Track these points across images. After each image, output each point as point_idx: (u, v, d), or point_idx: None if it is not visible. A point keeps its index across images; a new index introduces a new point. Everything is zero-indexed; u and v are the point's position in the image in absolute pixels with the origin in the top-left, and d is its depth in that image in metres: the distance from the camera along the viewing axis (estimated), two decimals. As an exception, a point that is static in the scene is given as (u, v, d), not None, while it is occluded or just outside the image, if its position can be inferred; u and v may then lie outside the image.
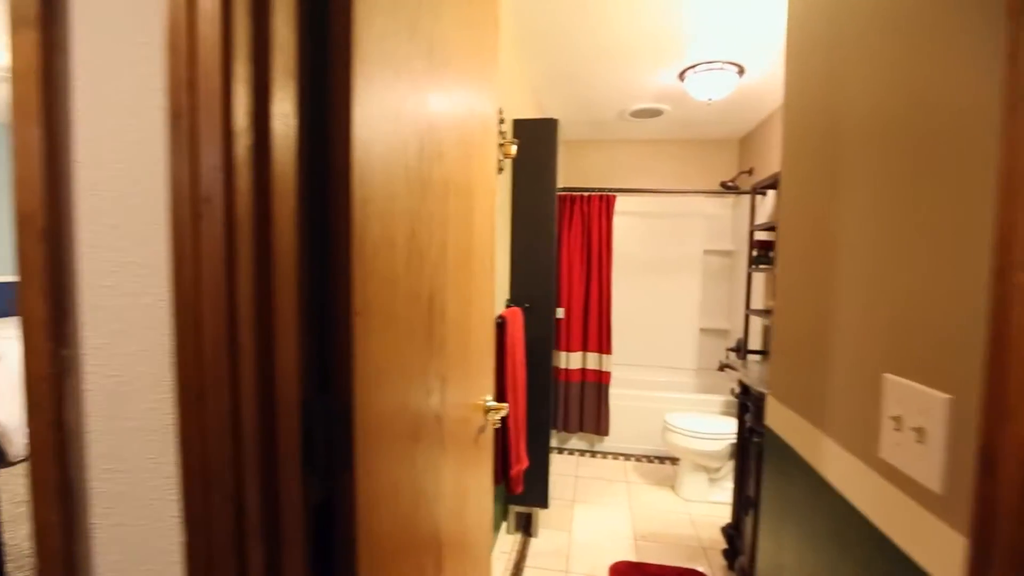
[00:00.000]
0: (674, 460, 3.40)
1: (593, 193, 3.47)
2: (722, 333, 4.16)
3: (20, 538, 2.16)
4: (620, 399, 3.55)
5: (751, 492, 1.82)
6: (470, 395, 1.15)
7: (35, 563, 0.55)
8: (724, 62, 2.68)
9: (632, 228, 4.21)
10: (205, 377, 0.48)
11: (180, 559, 0.52)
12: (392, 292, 0.72)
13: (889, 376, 0.74)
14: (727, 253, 4.14)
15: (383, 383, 0.69)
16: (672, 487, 3.03)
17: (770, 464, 1.21)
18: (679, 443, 2.80)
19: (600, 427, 3.47)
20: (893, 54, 0.76)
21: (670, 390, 3.94)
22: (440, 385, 0.93)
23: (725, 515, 2.67)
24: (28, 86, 0.52)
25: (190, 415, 0.49)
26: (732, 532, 2.14)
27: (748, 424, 1.86)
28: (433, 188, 0.88)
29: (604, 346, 3.46)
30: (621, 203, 4.13)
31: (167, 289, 0.50)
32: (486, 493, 1.37)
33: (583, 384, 3.50)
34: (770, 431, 1.20)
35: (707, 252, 4.17)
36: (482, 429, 1.26)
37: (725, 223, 4.16)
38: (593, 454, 3.56)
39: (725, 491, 2.82)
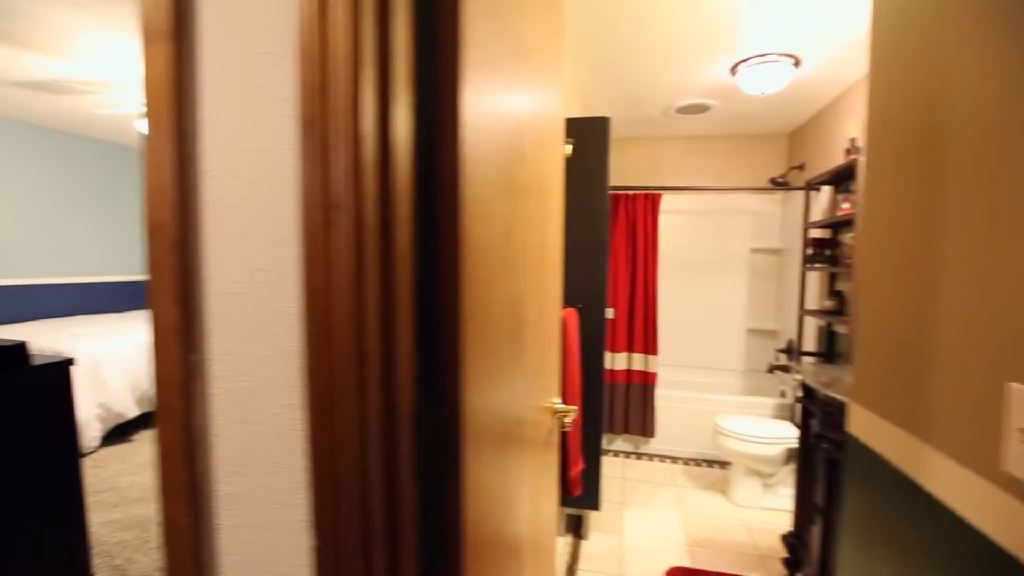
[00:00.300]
0: (723, 464, 3.31)
1: (638, 191, 3.41)
2: (770, 334, 4.03)
3: (96, 526, 2.28)
4: (666, 400, 3.48)
5: (819, 500, 1.75)
6: (542, 397, 1.14)
7: (165, 561, 0.56)
8: (779, 54, 2.59)
9: (677, 226, 4.12)
10: (335, 384, 0.49)
11: (306, 562, 0.53)
12: (488, 296, 0.71)
13: (1017, 386, 0.69)
14: (776, 251, 4.02)
15: (482, 388, 0.69)
16: (723, 492, 2.95)
17: (854, 474, 1.16)
18: (731, 447, 2.73)
19: (646, 429, 3.42)
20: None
21: (716, 392, 3.85)
22: (523, 388, 0.92)
23: (782, 522, 2.59)
24: (160, 98, 0.53)
25: (321, 422, 0.49)
26: (794, 541, 2.06)
27: (815, 430, 1.79)
28: (518, 190, 0.87)
29: (650, 347, 3.41)
30: (666, 201, 4.06)
31: (296, 296, 0.51)
32: (553, 495, 1.36)
33: (628, 385, 3.45)
34: (854, 440, 1.14)
35: (754, 250, 4.05)
36: (551, 431, 1.25)
37: (773, 220, 4.03)
38: (639, 456, 3.50)
39: (780, 497, 2.74)
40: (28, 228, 4.17)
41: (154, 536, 2.26)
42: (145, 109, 0.54)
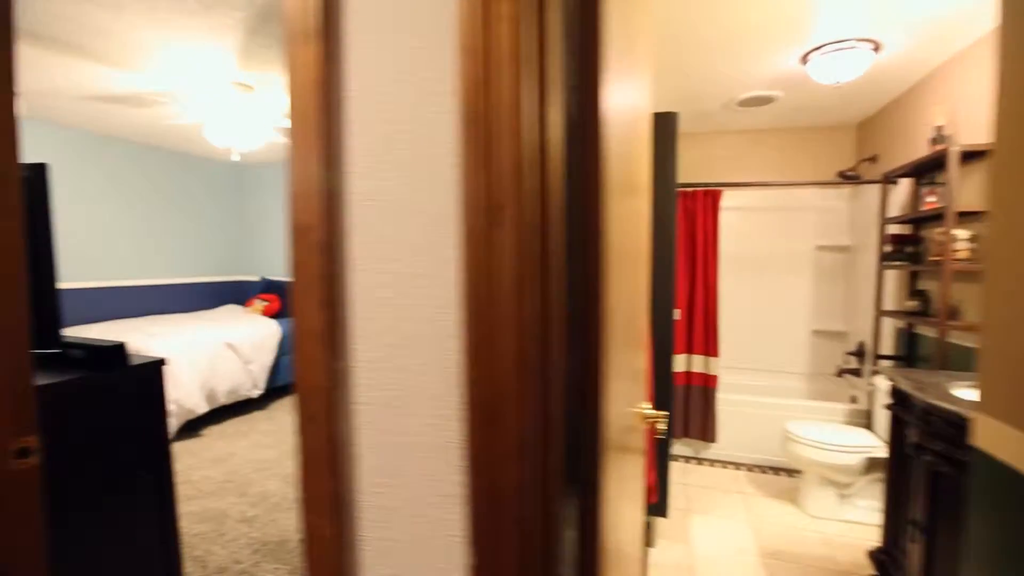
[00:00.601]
0: (791, 472, 3.16)
1: (698, 188, 3.30)
2: (838, 336, 3.83)
3: (178, 520, 2.38)
4: (727, 404, 3.36)
5: (918, 516, 1.63)
6: (637, 401, 1.09)
7: (307, 572, 0.55)
8: (857, 39, 2.44)
9: (738, 224, 3.97)
10: (497, 394, 0.46)
11: (459, 580, 0.51)
12: (616, 298, 0.68)
13: None
14: (843, 249, 3.80)
15: (615, 395, 0.65)
16: (794, 501, 2.81)
17: (984, 492, 1.06)
18: (804, 454, 2.59)
19: (707, 433, 3.30)
20: None
21: (780, 395, 3.68)
22: (630, 392, 0.88)
23: (865, 536, 2.44)
24: (306, 99, 0.52)
25: (482, 434, 0.47)
26: (883, 558, 1.94)
27: (912, 440, 1.67)
28: (625, 187, 0.83)
29: (711, 348, 3.29)
30: (726, 198, 3.92)
31: (452, 301, 0.49)
32: (640, 501, 1.31)
33: (688, 388, 3.34)
34: (983, 454, 1.05)
35: (820, 248, 3.85)
36: (641, 436, 1.20)
37: (840, 216, 3.82)
38: (699, 461, 3.39)
39: (859, 509, 2.58)
40: (101, 234, 4.42)
41: (229, 529, 2.34)
42: (290, 110, 0.53)
